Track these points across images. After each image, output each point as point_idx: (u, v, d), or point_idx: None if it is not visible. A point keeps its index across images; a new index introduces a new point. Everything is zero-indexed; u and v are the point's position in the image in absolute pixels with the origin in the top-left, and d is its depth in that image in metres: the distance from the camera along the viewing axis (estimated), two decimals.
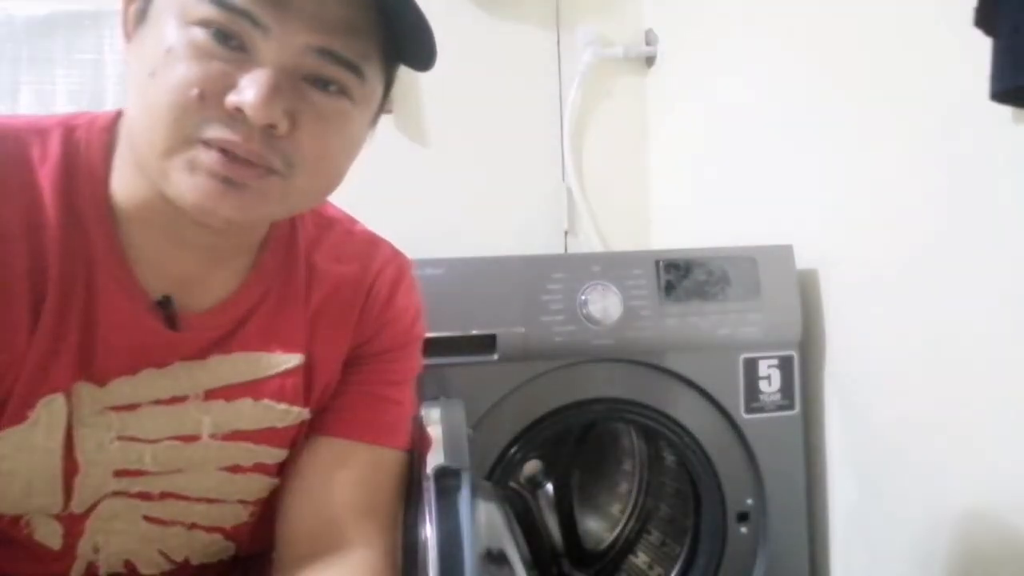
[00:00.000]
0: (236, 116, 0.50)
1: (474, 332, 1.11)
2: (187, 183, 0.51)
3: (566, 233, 1.85)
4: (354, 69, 0.53)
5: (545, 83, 1.84)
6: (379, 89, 0.58)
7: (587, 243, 1.85)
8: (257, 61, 0.50)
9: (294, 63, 0.51)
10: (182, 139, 0.50)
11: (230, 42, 0.50)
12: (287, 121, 0.51)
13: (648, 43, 1.85)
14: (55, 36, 1.61)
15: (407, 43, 0.56)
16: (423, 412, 0.82)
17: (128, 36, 0.55)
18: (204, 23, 0.49)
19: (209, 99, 0.49)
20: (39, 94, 1.61)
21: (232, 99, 0.49)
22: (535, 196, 1.84)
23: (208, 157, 0.50)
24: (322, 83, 0.53)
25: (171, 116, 0.49)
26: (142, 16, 0.53)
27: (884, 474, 1.10)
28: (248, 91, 0.49)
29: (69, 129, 0.58)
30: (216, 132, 0.50)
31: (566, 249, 1.84)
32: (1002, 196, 0.88)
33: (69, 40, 1.62)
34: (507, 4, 1.81)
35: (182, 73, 0.49)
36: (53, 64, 1.62)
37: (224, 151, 0.50)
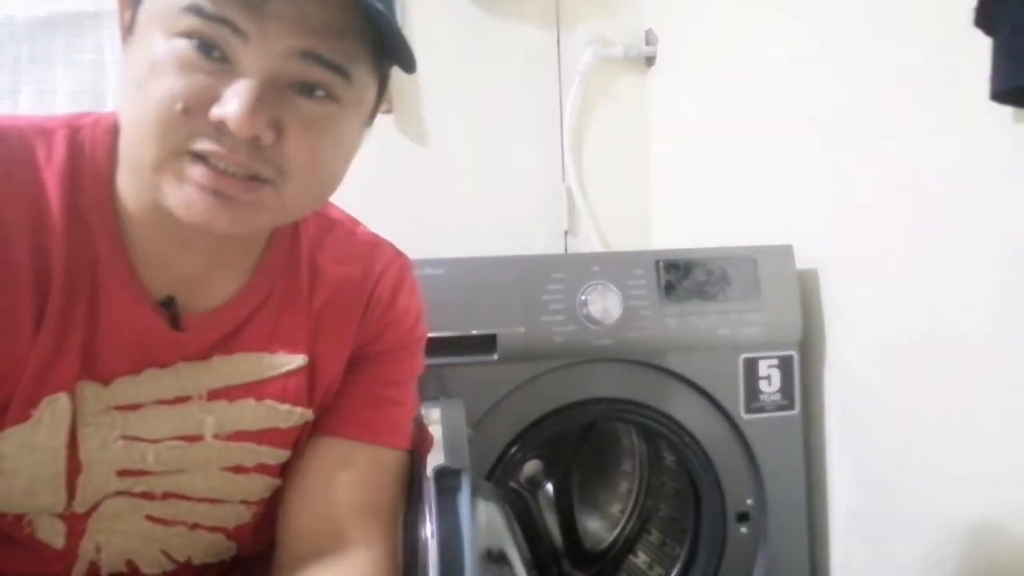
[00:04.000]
0: (222, 128, 0.49)
1: (474, 332, 1.11)
2: (177, 196, 0.51)
3: (566, 233, 1.85)
4: (339, 71, 0.53)
5: (545, 83, 1.84)
6: (371, 90, 0.58)
7: (587, 243, 1.85)
8: (240, 71, 0.50)
9: (278, 69, 0.51)
10: (169, 153, 0.50)
11: (213, 53, 0.49)
12: (272, 131, 0.51)
13: (648, 43, 1.85)
14: (55, 36, 1.61)
15: (390, 45, 0.56)
16: (423, 412, 0.82)
17: (123, 42, 0.55)
18: (187, 34, 0.49)
19: (194, 112, 0.49)
20: (39, 94, 1.61)
21: (216, 112, 0.49)
22: (535, 196, 1.84)
23: (196, 171, 0.50)
24: (308, 89, 0.52)
25: (157, 131, 0.50)
26: (131, 27, 0.53)
27: (884, 474, 1.10)
28: (230, 104, 0.49)
29: (74, 130, 0.58)
30: (203, 145, 0.50)
31: (566, 249, 1.84)
32: (1002, 196, 0.88)
33: (69, 40, 1.62)
34: (507, 4, 1.81)
35: (166, 87, 0.49)
36: (53, 64, 1.62)
37: (211, 163, 0.50)
